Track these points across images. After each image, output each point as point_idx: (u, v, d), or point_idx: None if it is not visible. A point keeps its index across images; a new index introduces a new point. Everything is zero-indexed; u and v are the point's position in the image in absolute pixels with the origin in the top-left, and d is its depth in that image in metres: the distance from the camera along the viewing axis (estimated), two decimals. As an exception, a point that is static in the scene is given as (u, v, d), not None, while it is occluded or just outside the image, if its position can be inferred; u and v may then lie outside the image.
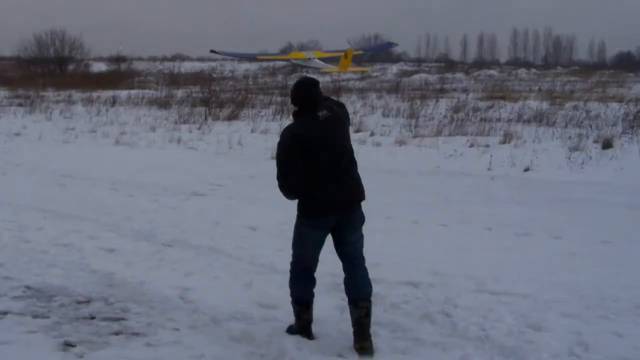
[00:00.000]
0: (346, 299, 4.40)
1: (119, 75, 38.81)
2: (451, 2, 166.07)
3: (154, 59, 63.17)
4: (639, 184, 10.24)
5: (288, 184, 4.21)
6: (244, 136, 15.73)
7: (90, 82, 32.89)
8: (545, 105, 21.70)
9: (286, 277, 4.57)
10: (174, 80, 35.01)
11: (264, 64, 48.31)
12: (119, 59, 47.93)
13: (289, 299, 4.50)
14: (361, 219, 4.41)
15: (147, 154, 13.67)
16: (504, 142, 14.33)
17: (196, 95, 24.13)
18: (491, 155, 12.52)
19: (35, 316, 4.82)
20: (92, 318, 4.81)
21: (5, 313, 4.85)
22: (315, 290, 4.53)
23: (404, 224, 7.79)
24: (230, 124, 18.61)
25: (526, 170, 11.61)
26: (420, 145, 14.34)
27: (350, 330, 4.34)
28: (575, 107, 20.83)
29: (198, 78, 34.09)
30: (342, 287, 4.47)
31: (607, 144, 13.50)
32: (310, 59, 19.24)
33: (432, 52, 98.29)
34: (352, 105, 21.84)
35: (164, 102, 23.64)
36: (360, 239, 4.43)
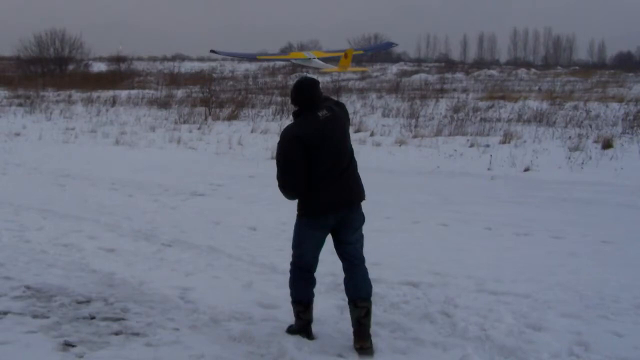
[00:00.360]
0: (346, 299, 4.40)
1: (119, 75, 38.80)
2: (451, 2, 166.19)
3: (154, 59, 63.10)
4: (639, 184, 10.24)
5: (288, 184, 4.21)
6: (244, 136, 15.74)
7: (90, 82, 32.90)
8: (545, 105, 21.70)
9: (286, 277, 4.57)
10: (174, 80, 35.02)
11: (264, 64, 48.25)
12: (119, 59, 47.89)
13: (289, 299, 4.50)
14: (361, 219, 4.41)
15: (147, 154, 13.67)
16: (504, 142, 14.34)
17: (196, 95, 24.15)
18: (491, 155, 12.52)
19: (35, 316, 4.82)
20: (92, 318, 4.81)
21: (5, 313, 4.85)
22: (315, 290, 4.54)
23: (404, 224, 7.79)
24: (230, 124, 18.62)
25: (526, 170, 11.61)
26: (420, 145, 14.35)
27: (350, 330, 4.34)
28: (575, 107, 20.83)
29: (198, 78, 34.11)
30: (342, 287, 4.47)
31: (607, 144, 13.51)
32: (310, 59, 19.16)
33: (432, 52, 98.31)
34: (352, 105, 21.85)
35: (164, 102, 23.65)
36: (360, 239, 4.43)
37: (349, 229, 4.34)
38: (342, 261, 4.43)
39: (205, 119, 19.29)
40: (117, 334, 4.55)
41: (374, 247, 5.27)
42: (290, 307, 4.53)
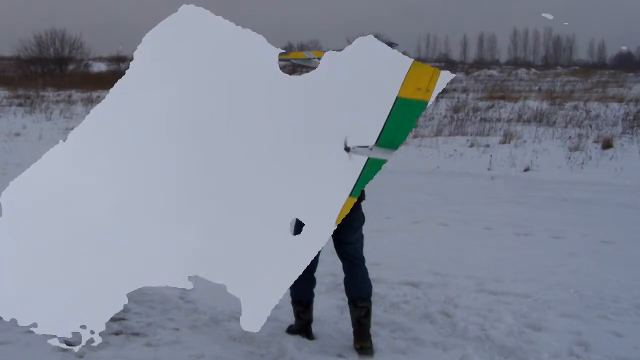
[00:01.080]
0: (346, 299, 4.40)
1: (119, 75, 38.47)
2: (451, 2, 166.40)
3: (154, 59, 62.95)
4: (639, 184, 10.25)
5: (288, 184, 4.20)
6: (244, 136, 15.72)
7: (90, 82, 32.87)
8: (545, 105, 21.72)
9: (286, 277, 4.56)
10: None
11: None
12: (119, 59, 47.87)
13: (289, 299, 4.50)
14: (361, 218, 4.40)
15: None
16: (504, 142, 14.35)
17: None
18: (491, 155, 12.53)
19: (35, 316, 4.81)
20: (92, 318, 4.80)
21: (5, 313, 4.84)
22: (315, 290, 4.54)
23: (404, 224, 7.79)
24: (230, 124, 18.60)
25: (526, 170, 11.62)
26: (420, 145, 14.36)
27: (350, 330, 4.34)
28: (575, 107, 20.85)
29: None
30: (342, 287, 4.46)
31: (607, 144, 13.52)
32: (310, 59, 19.21)
33: (432, 52, 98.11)
34: (352, 105, 21.79)
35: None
36: (360, 239, 4.42)
37: (349, 229, 4.33)
38: (342, 261, 4.43)
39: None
40: (117, 334, 4.54)
41: (374, 247, 5.26)
42: (290, 307, 4.52)
